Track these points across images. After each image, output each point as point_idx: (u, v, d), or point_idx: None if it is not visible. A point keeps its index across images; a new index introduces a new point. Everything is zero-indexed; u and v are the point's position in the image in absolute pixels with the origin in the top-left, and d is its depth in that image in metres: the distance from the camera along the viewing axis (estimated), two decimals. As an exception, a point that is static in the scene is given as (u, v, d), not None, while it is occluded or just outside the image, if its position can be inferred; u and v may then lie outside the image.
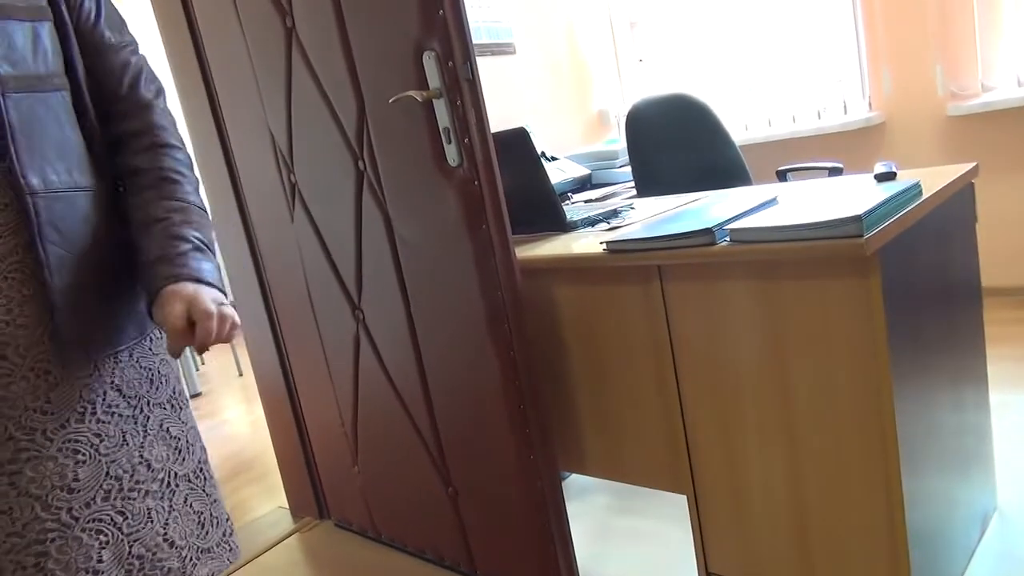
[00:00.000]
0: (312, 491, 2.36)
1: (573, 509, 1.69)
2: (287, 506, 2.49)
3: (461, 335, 1.65)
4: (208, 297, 0.95)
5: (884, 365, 1.25)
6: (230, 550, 1.10)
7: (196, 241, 0.99)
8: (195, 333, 0.92)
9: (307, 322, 2.07)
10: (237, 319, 0.98)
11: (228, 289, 1.15)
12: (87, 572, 0.93)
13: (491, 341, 1.59)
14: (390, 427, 1.93)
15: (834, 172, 2.70)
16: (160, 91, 1.09)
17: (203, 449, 1.11)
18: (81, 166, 0.97)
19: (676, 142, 2.62)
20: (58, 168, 0.93)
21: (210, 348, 0.97)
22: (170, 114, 1.10)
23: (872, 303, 1.23)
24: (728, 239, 1.36)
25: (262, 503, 2.59)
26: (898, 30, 3.04)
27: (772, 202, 1.57)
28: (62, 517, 0.92)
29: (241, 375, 4.27)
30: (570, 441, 1.77)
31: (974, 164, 1.61)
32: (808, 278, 1.29)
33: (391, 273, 1.74)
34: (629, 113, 2.64)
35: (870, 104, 3.20)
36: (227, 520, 1.12)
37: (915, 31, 3.00)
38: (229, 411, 3.72)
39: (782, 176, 2.79)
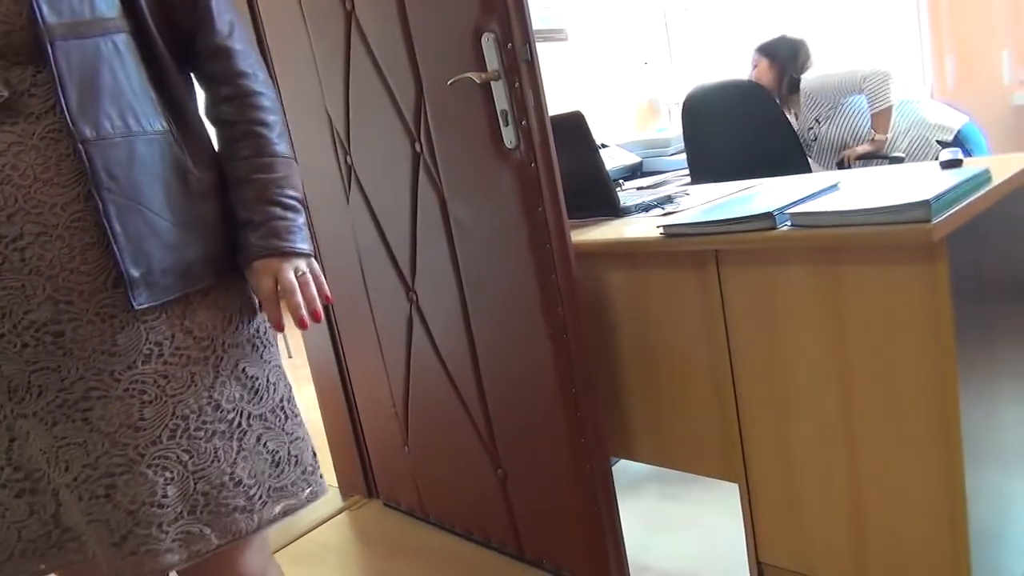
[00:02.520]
0: (361, 470, 2.39)
1: (621, 495, 1.68)
2: (336, 484, 2.54)
3: (514, 318, 1.65)
4: (290, 271, 1.03)
5: (950, 355, 1.22)
6: (309, 487, 1.09)
7: (280, 200, 1.03)
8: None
9: (360, 303, 2.10)
10: (318, 274, 1.06)
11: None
12: (151, 506, 0.96)
13: (544, 324, 1.59)
14: (441, 409, 1.95)
15: (895, 162, 2.64)
16: (233, 24, 1.07)
17: (288, 387, 1.10)
18: (139, 112, 0.95)
19: (734, 129, 2.59)
20: (112, 115, 0.92)
21: (309, 317, 1.04)
22: (249, 52, 1.07)
23: (939, 291, 1.20)
24: (789, 223, 1.34)
25: (312, 481, 2.63)
26: (963, 16, 2.95)
27: (834, 188, 1.54)
28: (128, 453, 0.95)
29: (291, 357, 4.34)
30: (620, 426, 1.77)
31: (1046, 152, 1.56)
32: (871, 264, 1.26)
33: (445, 255, 1.76)
34: (686, 99, 2.61)
35: (932, 93, 3.12)
36: (311, 458, 1.11)
37: (981, 17, 2.91)
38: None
39: (841, 165, 2.74)
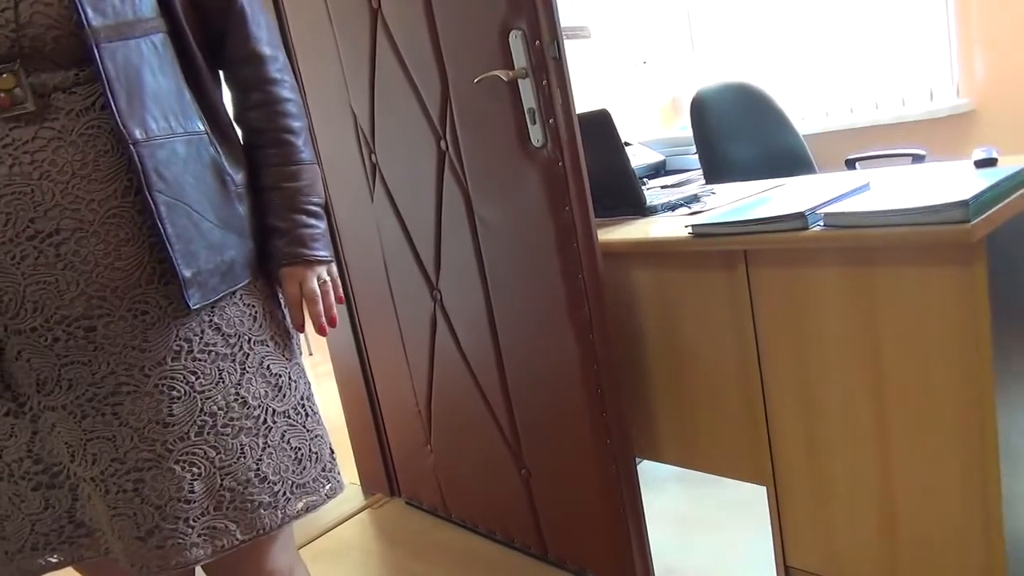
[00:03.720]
0: (384, 468, 2.39)
1: (645, 496, 1.67)
2: (358, 482, 2.54)
3: (539, 318, 1.64)
4: (313, 280, 1.08)
5: (986, 358, 1.19)
6: (328, 484, 1.11)
7: (306, 208, 1.08)
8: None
9: (384, 301, 2.10)
10: (335, 279, 1.12)
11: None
12: (179, 501, 0.97)
13: (570, 325, 1.58)
14: (464, 408, 1.95)
15: (917, 160, 2.60)
16: (265, 27, 1.08)
17: (307, 384, 1.11)
18: (178, 112, 0.96)
19: (740, 130, 2.58)
20: (156, 115, 0.93)
21: (327, 323, 1.10)
22: (278, 55, 1.09)
23: (976, 293, 1.17)
24: (821, 224, 1.32)
25: (333, 479, 2.63)
26: (993, 8, 2.90)
27: (865, 187, 1.51)
28: (157, 449, 0.96)
29: (311, 354, 4.36)
30: (646, 427, 1.76)
31: (1085, 151, 1.52)
32: (906, 265, 1.24)
33: (470, 254, 1.75)
34: (693, 101, 2.59)
35: (959, 90, 3.07)
36: (329, 454, 1.13)
37: (1013, 8, 2.85)
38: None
39: (850, 165, 2.70)
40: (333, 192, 2.15)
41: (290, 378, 1.08)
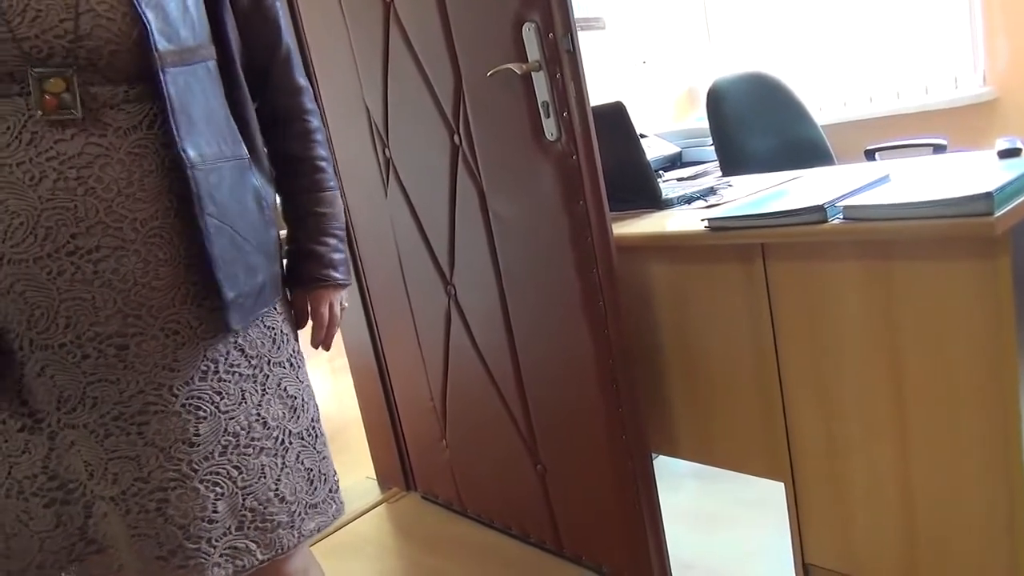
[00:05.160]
0: (399, 463, 2.39)
1: (661, 492, 1.66)
2: (374, 476, 2.54)
3: (554, 312, 1.63)
4: (337, 304, 1.16)
5: (1010, 354, 1.17)
6: (334, 505, 1.13)
7: (335, 233, 1.15)
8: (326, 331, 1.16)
9: (399, 296, 2.09)
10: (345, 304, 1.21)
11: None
12: (203, 520, 0.97)
13: (585, 319, 1.56)
14: (479, 403, 1.94)
15: (938, 150, 2.56)
16: (300, 65, 1.16)
17: (316, 407, 1.13)
18: (226, 136, 0.99)
19: (757, 121, 2.55)
20: (209, 140, 0.95)
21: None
22: (309, 86, 1.16)
23: (1000, 287, 1.15)
24: (841, 216, 1.30)
25: (346, 473, 2.64)
26: (1018, -2, 2.84)
27: (885, 179, 1.49)
28: (182, 468, 0.96)
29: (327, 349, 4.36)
30: (662, 422, 1.74)
31: (1112, 140, 1.49)
32: (927, 259, 1.22)
33: (484, 249, 1.74)
34: (709, 91, 2.56)
35: (984, 78, 3.01)
36: (334, 476, 1.15)
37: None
38: (313, 384, 3.81)
39: (870, 156, 2.66)
40: (348, 188, 2.15)
41: (303, 400, 1.10)
